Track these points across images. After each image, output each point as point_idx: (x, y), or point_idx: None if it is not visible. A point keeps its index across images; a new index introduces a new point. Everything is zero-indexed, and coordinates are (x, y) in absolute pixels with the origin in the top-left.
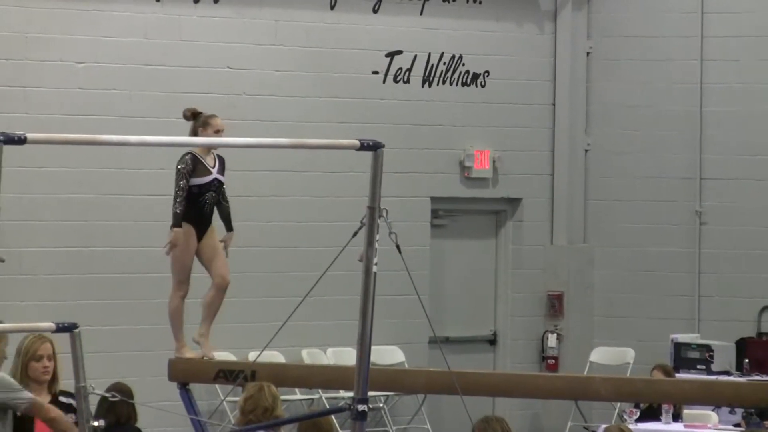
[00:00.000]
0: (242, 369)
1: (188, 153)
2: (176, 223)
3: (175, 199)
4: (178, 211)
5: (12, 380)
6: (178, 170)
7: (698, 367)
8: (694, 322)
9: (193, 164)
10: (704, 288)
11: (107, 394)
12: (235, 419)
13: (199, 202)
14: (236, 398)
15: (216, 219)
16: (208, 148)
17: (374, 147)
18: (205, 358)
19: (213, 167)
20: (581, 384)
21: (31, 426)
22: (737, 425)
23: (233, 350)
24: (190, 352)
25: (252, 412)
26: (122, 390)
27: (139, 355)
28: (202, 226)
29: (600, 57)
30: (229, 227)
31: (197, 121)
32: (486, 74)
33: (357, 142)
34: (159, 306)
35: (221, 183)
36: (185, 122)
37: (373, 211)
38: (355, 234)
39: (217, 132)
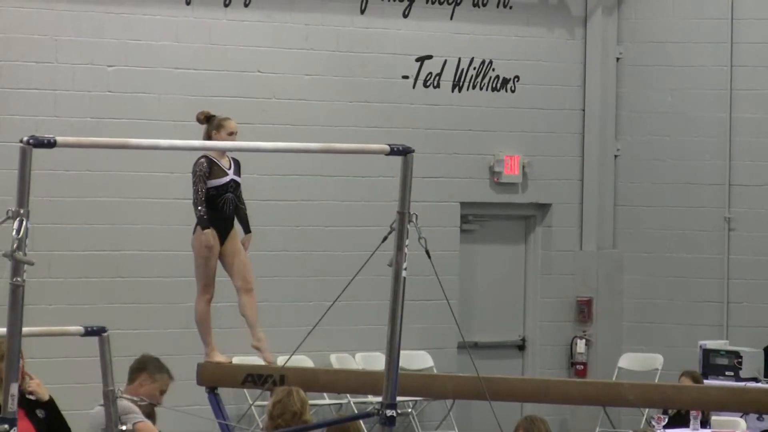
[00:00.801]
0: (271, 373)
1: (202, 156)
2: (205, 225)
3: (196, 205)
4: (203, 214)
5: (131, 405)
6: (194, 173)
7: (727, 373)
8: (722, 328)
9: (208, 166)
10: (733, 294)
11: (136, 398)
12: (263, 424)
13: (218, 204)
14: (264, 403)
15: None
16: (223, 151)
17: (404, 152)
18: (268, 362)
19: (229, 169)
20: (610, 390)
21: None
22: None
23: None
24: (220, 356)
25: (280, 416)
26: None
27: (168, 359)
28: (223, 229)
29: (630, 63)
30: (247, 229)
31: (210, 124)
32: (516, 79)
33: (387, 147)
34: (188, 310)
35: (238, 184)
36: None
37: (403, 216)
38: (385, 239)
39: (231, 135)
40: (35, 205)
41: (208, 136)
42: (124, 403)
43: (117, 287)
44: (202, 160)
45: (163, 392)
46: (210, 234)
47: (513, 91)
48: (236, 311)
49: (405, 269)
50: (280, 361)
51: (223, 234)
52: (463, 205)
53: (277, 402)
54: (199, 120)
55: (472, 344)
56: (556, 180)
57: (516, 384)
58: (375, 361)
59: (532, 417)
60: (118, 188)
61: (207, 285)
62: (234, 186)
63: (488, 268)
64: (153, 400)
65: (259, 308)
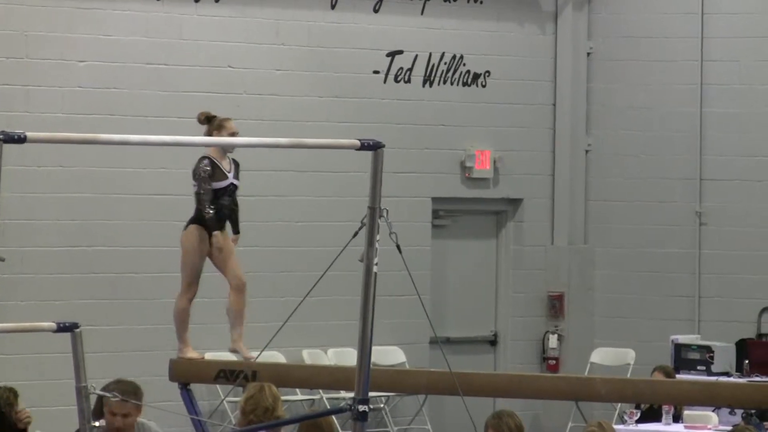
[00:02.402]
0: (243, 369)
1: (205, 157)
2: (215, 227)
3: (202, 205)
4: (212, 214)
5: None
6: (197, 175)
7: (698, 368)
8: (694, 323)
9: (212, 168)
10: (704, 289)
11: (108, 394)
12: (236, 419)
13: (215, 206)
14: (237, 398)
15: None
16: (224, 152)
17: (374, 147)
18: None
19: (229, 171)
20: (582, 385)
21: None
22: (736, 425)
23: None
24: (192, 353)
25: (252, 412)
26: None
27: (140, 354)
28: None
29: (601, 57)
30: (236, 230)
31: (211, 124)
32: (487, 74)
33: (357, 142)
34: (160, 305)
35: (236, 187)
36: (186, 121)
37: (374, 211)
38: (356, 234)
39: (232, 134)
40: (6, 200)
41: (208, 135)
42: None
43: (89, 283)
44: (206, 161)
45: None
46: (220, 236)
47: (484, 86)
48: (210, 307)
49: (376, 264)
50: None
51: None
52: (434, 200)
53: (249, 398)
54: (199, 121)
55: (444, 339)
56: (527, 175)
57: (488, 379)
58: (347, 356)
59: (500, 413)
60: (90, 184)
61: (191, 284)
62: (232, 189)
63: (460, 263)
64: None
65: None
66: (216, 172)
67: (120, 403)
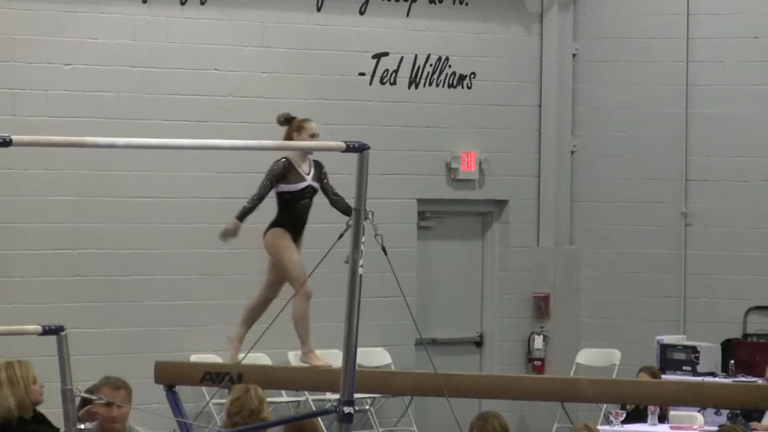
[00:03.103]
0: (229, 371)
1: (284, 157)
2: (239, 216)
3: (253, 196)
4: (247, 205)
5: None
6: (268, 170)
7: (684, 368)
8: (680, 323)
9: (284, 170)
10: (690, 289)
11: (94, 397)
12: (221, 421)
13: (294, 210)
14: (223, 400)
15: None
16: (305, 154)
17: (360, 149)
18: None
19: (308, 174)
20: (568, 386)
21: None
22: (722, 426)
23: (220, 353)
24: (318, 360)
25: (238, 414)
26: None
27: (126, 357)
28: (296, 234)
29: (586, 59)
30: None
31: (291, 125)
32: (472, 76)
33: (342, 144)
34: (146, 308)
35: (315, 190)
36: (172, 124)
37: (359, 212)
38: (341, 236)
39: (313, 136)
40: None
41: (288, 138)
42: None
43: (75, 286)
44: (282, 161)
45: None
46: (238, 224)
47: (469, 88)
48: (196, 309)
49: (361, 266)
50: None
51: (296, 237)
52: (420, 201)
53: (234, 400)
54: (279, 122)
55: (429, 341)
56: (512, 176)
57: (474, 380)
58: (332, 358)
59: (486, 414)
60: (76, 187)
61: (301, 280)
62: (311, 192)
63: (445, 264)
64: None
65: (217, 306)
66: (290, 173)
67: (114, 393)
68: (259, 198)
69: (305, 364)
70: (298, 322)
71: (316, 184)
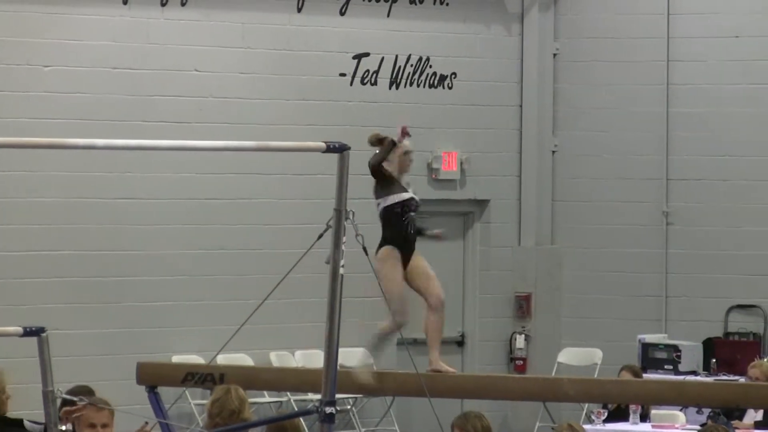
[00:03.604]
0: (210, 372)
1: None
2: (378, 158)
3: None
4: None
5: None
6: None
7: (666, 367)
8: (661, 322)
9: (388, 175)
10: (671, 288)
11: (75, 398)
12: (203, 422)
13: (402, 223)
14: (205, 401)
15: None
16: (400, 172)
17: (340, 149)
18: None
19: (408, 187)
20: (550, 385)
21: None
22: (704, 425)
23: (202, 353)
24: (443, 365)
25: (218, 415)
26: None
27: (107, 358)
28: (406, 250)
29: (567, 58)
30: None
31: (383, 145)
32: (453, 76)
33: (323, 145)
34: (127, 309)
35: (418, 205)
36: (152, 125)
37: (340, 213)
38: (321, 236)
39: (407, 154)
40: None
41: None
42: None
43: (56, 287)
44: (383, 170)
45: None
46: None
47: (450, 88)
48: (177, 311)
49: (342, 266)
50: (218, 359)
51: (406, 255)
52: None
53: (215, 400)
54: (371, 143)
55: (411, 341)
56: (494, 176)
57: (455, 380)
58: (315, 358)
59: (467, 414)
60: (56, 188)
61: (397, 312)
62: (415, 205)
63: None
64: None
65: (198, 307)
66: (395, 184)
67: (98, 413)
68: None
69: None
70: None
71: (416, 197)
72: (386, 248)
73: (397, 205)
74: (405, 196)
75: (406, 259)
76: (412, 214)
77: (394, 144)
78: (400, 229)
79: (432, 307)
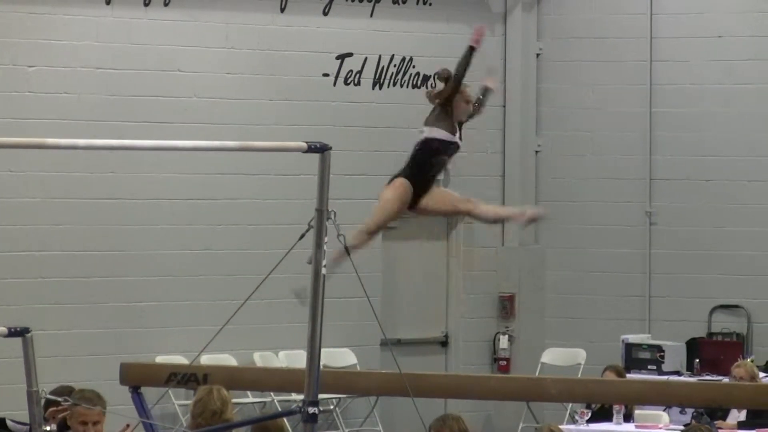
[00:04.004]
0: (194, 372)
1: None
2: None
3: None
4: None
5: None
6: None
7: (649, 367)
8: (645, 322)
9: (444, 112)
10: (655, 288)
11: (60, 399)
12: (187, 422)
13: (431, 161)
14: (189, 401)
15: None
16: (455, 115)
17: (321, 149)
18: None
19: (455, 133)
20: (533, 385)
21: None
22: (687, 425)
23: (186, 353)
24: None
25: (200, 415)
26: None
27: (91, 359)
28: (419, 188)
29: (550, 58)
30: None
31: (448, 84)
32: (436, 76)
33: (304, 145)
34: (111, 310)
35: (458, 150)
36: (135, 125)
37: (321, 213)
38: (302, 236)
39: (467, 103)
40: None
41: (445, 98)
42: None
43: (40, 288)
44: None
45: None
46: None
47: (433, 88)
48: (161, 310)
49: (324, 267)
50: (202, 359)
51: (418, 192)
52: None
53: (197, 401)
54: (439, 77)
55: (394, 341)
56: (477, 176)
57: (439, 380)
58: (298, 358)
59: (445, 417)
60: (39, 188)
61: (374, 230)
62: (454, 150)
63: (410, 264)
64: None
65: (182, 307)
66: (449, 120)
67: (89, 411)
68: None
69: None
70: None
71: (460, 142)
72: (400, 179)
73: (438, 141)
74: (450, 138)
75: (417, 196)
76: (446, 158)
77: (472, 49)
78: (426, 167)
79: (470, 210)
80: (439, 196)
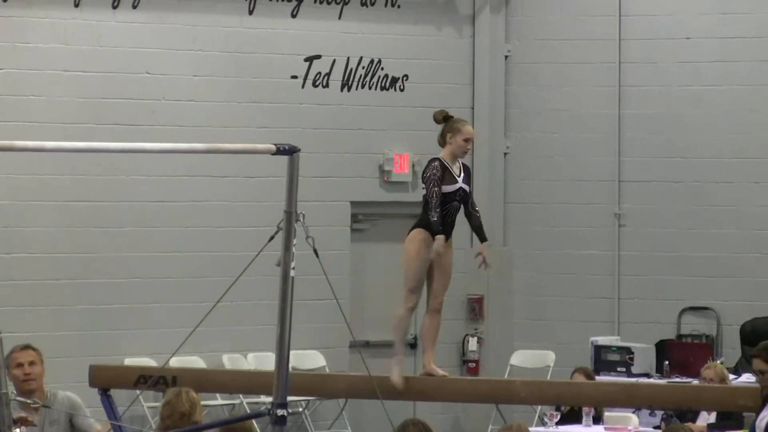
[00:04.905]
0: (163, 374)
1: (436, 159)
2: (437, 231)
3: (431, 208)
4: (437, 219)
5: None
6: (427, 178)
7: (618, 369)
8: (614, 324)
9: (441, 171)
10: (624, 290)
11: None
12: (155, 424)
13: (442, 211)
14: (158, 404)
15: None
16: (455, 155)
17: (290, 151)
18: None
19: (459, 176)
20: (502, 387)
21: None
22: (657, 427)
23: (155, 356)
24: (399, 376)
25: (169, 417)
26: None
27: (61, 361)
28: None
29: (518, 60)
30: (482, 238)
31: (447, 124)
32: (405, 78)
33: (273, 147)
34: (80, 312)
35: (466, 193)
36: (104, 127)
37: (290, 215)
38: (272, 238)
39: (467, 141)
40: None
41: (443, 137)
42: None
43: (8, 290)
44: (436, 163)
45: None
46: (442, 240)
47: (402, 90)
48: (129, 313)
49: (293, 269)
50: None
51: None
52: (353, 204)
53: (166, 403)
54: (436, 119)
55: (363, 343)
56: None
57: (408, 382)
58: (267, 361)
59: (406, 422)
60: (8, 191)
61: (414, 290)
62: (462, 194)
63: (379, 266)
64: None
65: (151, 309)
66: (445, 175)
67: (22, 352)
68: (440, 207)
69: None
70: (395, 328)
71: (467, 187)
72: (419, 230)
73: (446, 195)
74: (452, 188)
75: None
76: (456, 204)
77: None
78: (443, 219)
79: (432, 308)
80: (440, 272)
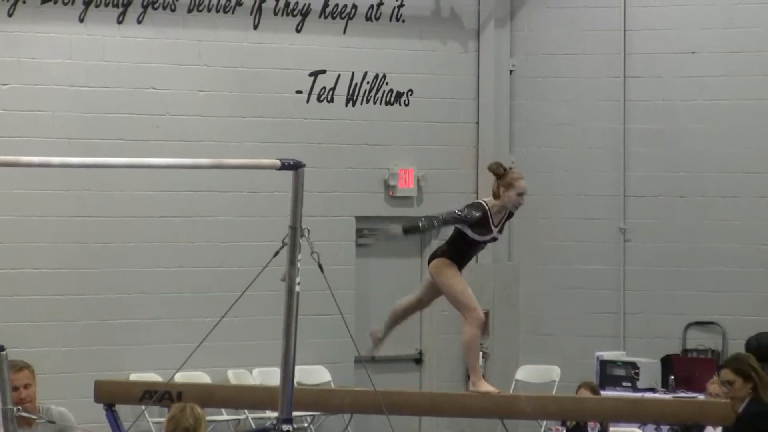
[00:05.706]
0: (168, 390)
1: (482, 203)
2: (414, 226)
3: (436, 219)
4: (437, 221)
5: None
6: (464, 214)
7: (624, 384)
8: (619, 339)
9: (481, 217)
10: (629, 305)
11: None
12: None
13: (468, 252)
14: (163, 419)
15: None
16: (504, 208)
17: (295, 166)
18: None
19: (496, 226)
20: (508, 402)
21: None
22: None
23: (160, 371)
24: (487, 386)
25: None
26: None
27: (65, 376)
28: (461, 266)
29: (523, 75)
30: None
31: (503, 178)
32: (410, 93)
33: (278, 162)
34: (85, 327)
35: (495, 240)
36: (108, 143)
37: (295, 230)
38: (276, 254)
39: (520, 195)
40: None
41: (496, 189)
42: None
43: (14, 306)
44: (479, 214)
45: None
46: (399, 230)
47: (407, 105)
48: (136, 328)
49: (298, 284)
50: (176, 377)
51: (460, 270)
52: (358, 219)
53: (171, 418)
54: (493, 170)
55: (368, 358)
56: (451, 193)
57: (413, 397)
58: (272, 376)
59: None
60: (14, 206)
61: (473, 309)
62: (490, 241)
63: (384, 281)
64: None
65: (155, 324)
66: (483, 222)
67: (17, 375)
68: (440, 224)
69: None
70: (468, 349)
71: (498, 235)
72: (443, 260)
73: (471, 240)
74: (485, 237)
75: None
76: (482, 246)
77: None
78: (463, 254)
79: (470, 322)
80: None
